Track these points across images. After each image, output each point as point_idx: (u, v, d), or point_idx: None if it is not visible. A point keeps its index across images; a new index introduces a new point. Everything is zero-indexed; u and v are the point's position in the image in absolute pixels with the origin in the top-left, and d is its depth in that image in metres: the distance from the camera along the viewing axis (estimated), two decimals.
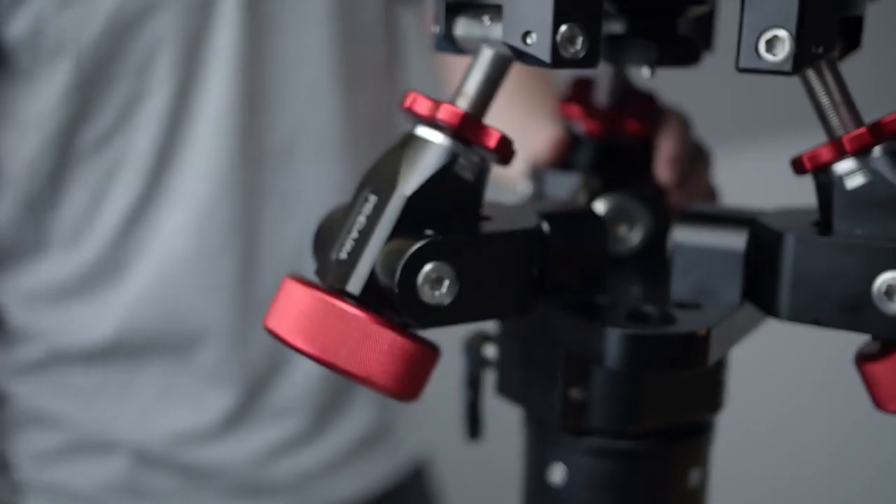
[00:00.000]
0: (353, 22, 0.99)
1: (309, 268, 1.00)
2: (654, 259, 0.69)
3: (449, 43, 0.59)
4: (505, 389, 0.66)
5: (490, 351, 0.68)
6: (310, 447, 1.07)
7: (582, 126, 0.73)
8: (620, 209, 0.68)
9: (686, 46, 0.61)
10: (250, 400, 1.03)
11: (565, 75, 0.71)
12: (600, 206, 0.68)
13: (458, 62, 1.04)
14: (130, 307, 0.99)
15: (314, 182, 0.99)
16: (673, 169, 0.72)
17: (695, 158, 0.74)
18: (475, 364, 0.69)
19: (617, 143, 0.73)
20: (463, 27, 0.58)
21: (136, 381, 1.02)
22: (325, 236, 0.59)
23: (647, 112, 0.73)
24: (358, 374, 0.53)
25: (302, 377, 1.05)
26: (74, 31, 0.88)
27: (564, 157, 0.74)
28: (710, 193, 0.76)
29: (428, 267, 0.53)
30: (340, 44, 0.97)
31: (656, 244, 0.69)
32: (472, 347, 0.69)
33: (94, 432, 1.01)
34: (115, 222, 0.95)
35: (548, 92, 0.91)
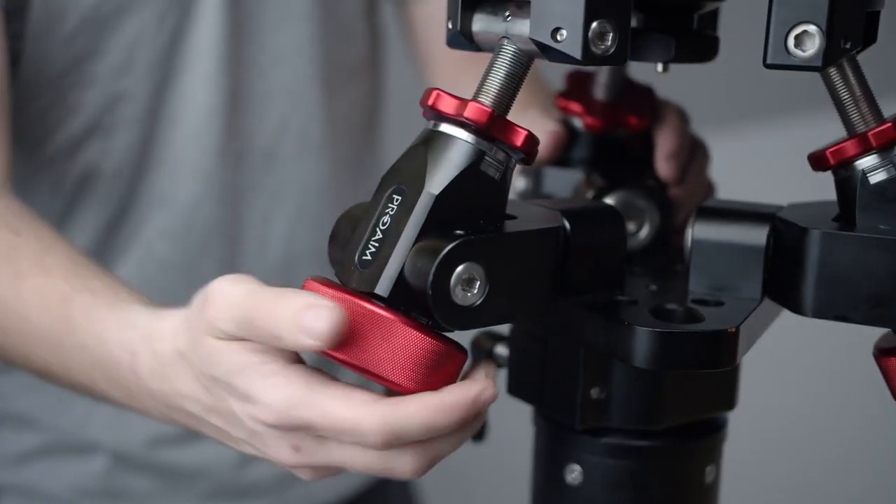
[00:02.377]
0: (335, 17, 0.97)
1: (295, 269, 1.00)
2: (659, 255, 0.68)
3: (464, 39, 0.58)
4: (518, 389, 0.65)
5: (500, 351, 0.67)
6: None
7: (580, 121, 0.72)
8: (629, 205, 0.68)
9: (703, 42, 0.61)
10: None
11: (553, 69, 0.70)
12: (609, 203, 0.68)
13: (442, 59, 1.03)
14: None
15: (298, 180, 0.97)
16: (673, 164, 0.71)
17: (693, 153, 0.74)
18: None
19: (616, 139, 0.73)
20: (481, 23, 0.57)
21: None
22: (344, 236, 0.57)
23: (645, 106, 0.73)
24: (386, 377, 0.52)
25: None
26: (49, 26, 0.84)
27: (563, 152, 0.73)
28: (709, 188, 0.76)
29: (461, 268, 0.51)
30: (322, 39, 0.96)
31: (661, 240, 0.69)
32: (480, 348, 0.68)
33: (71, 433, 0.98)
34: (92, 228, 0.92)
35: (538, 85, 0.90)
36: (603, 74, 0.72)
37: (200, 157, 0.92)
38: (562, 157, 0.73)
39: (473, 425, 0.55)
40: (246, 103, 0.93)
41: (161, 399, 0.61)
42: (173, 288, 0.95)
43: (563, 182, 0.72)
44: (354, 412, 0.51)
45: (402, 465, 0.54)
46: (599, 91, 0.72)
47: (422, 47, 1.06)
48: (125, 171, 0.91)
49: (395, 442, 0.52)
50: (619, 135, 0.73)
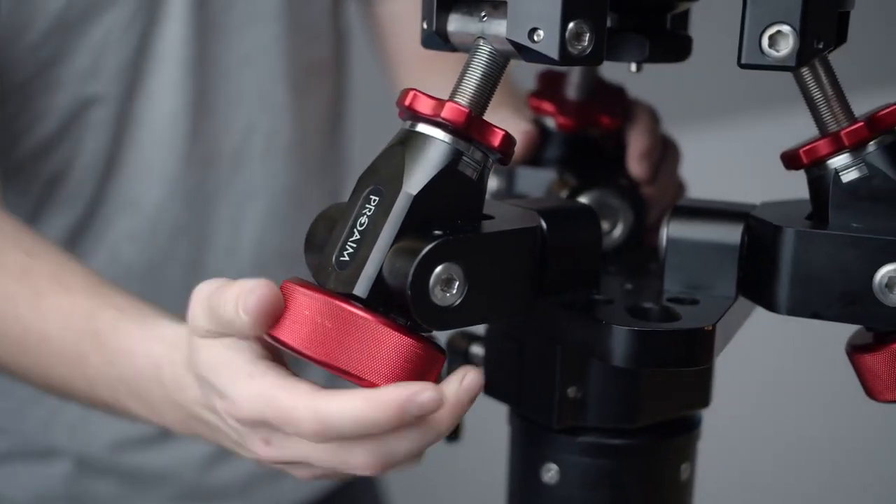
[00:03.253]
0: (301, 17, 0.96)
1: (265, 271, 0.99)
2: (632, 253, 0.69)
3: (439, 39, 0.58)
4: (494, 390, 0.65)
5: (476, 351, 0.67)
6: None
7: (552, 121, 0.73)
8: (602, 205, 0.68)
9: (677, 41, 0.61)
10: None
11: (522, 68, 0.70)
12: (584, 203, 0.68)
13: (409, 59, 1.03)
14: None
15: (265, 183, 0.97)
16: (646, 163, 0.72)
17: (665, 152, 0.75)
18: (458, 365, 0.68)
19: (588, 138, 0.73)
20: (456, 23, 0.57)
21: None
22: (320, 237, 0.57)
23: (617, 106, 0.73)
24: (365, 379, 0.52)
25: None
26: (17, 32, 0.83)
27: (535, 152, 0.73)
28: (680, 187, 0.77)
29: (439, 268, 0.51)
30: (289, 40, 0.95)
31: (633, 239, 0.69)
32: (455, 348, 0.67)
33: (32, 439, 0.97)
34: (58, 231, 0.91)
35: (509, 85, 0.90)
36: (575, 74, 0.72)
37: (167, 160, 0.91)
38: (534, 157, 0.73)
39: (429, 430, 0.54)
40: (213, 106, 0.93)
41: (182, 409, 0.61)
42: (140, 291, 0.94)
43: (536, 181, 0.72)
44: (292, 402, 0.53)
45: (353, 459, 0.54)
46: (571, 91, 0.73)
47: (388, 47, 1.06)
48: (93, 175, 0.90)
49: (328, 433, 0.52)
50: (592, 134, 0.73)
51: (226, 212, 0.96)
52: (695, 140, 0.98)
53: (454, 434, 0.72)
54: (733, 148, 2.08)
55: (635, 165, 0.72)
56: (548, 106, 0.72)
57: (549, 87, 0.73)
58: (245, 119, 0.94)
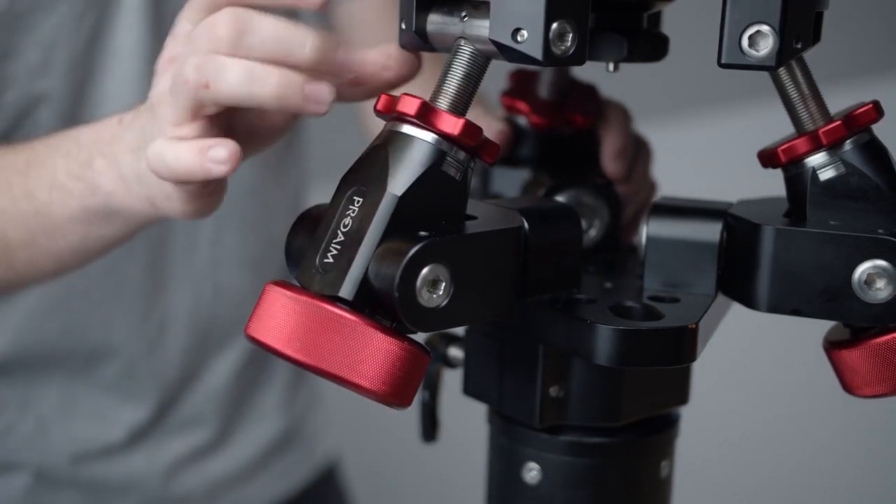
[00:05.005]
0: None
1: (222, 271, 0.98)
2: (609, 252, 0.69)
3: (419, 39, 0.58)
4: (474, 390, 0.65)
5: (454, 353, 0.67)
6: (218, 456, 1.04)
7: (525, 119, 0.73)
8: (579, 203, 0.68)
9: (654, 41, 0.62)
10: (158, 413, 0.99)
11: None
12: (563, 202, 0.68)
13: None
14: (28, 318, 0.93)
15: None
16: (620, 161, 0.72)
17: (637, 151, 0.75)
18: (434, 365, 0.68)
19: (561, 137, 0.73)
20: (436, 23, 0.57)
21: (35, 397, 0.96)
22: (301, 239, 0.57)
23: (590, 104, 0.73)
24: (353, 381, 0.52)
25: (210, 386, 1.01)
26: None
27: (509, 151, 0.73)
28: (652, 186, 0.77)
29: (426, 269, 0.51)
30: None
31: (610, 237, 0.70)
32: (433, 349, 0.67)
33: None
34: None
35: None
36: (547, 73, 0.72)
37: None
38: (508, 156, 0.73)
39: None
40: None
41: (136, 119, 0.62)
42: (97, 292, 0.93)
43: (511, 181, 0.72)
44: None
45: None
46: (544, 90, 0.73)
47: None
48: None
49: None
50: (564, 133, 0.73)
51: None
52: (663, 136, 0.99)
53: (431, 433, 0.72)
54: (699, 144, 2.11)
55: (610, 164, 0.72)
56: (521, 105, 0.72)
57: (522, 86, 0.73)
58: None
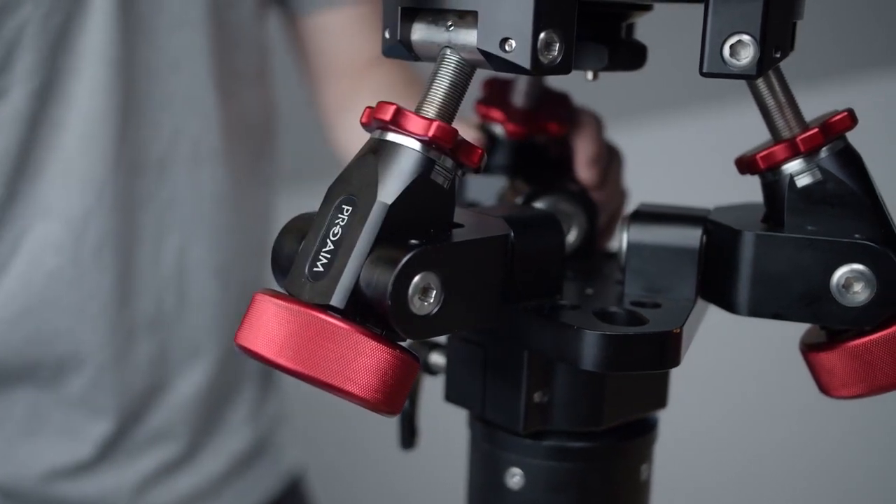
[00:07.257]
0: (228, 23, 0.95)
1: (189, 281, 0.97)
2: (587, 258, 0.70)
3: (403, 48, 0.58)
4: (456, 396, 0.65)
5: (436, 359, 0.67)
6: (188, 471, 1.03)
7: (500, 128, 0.73)
8: (556, 210, 0.69)
9: (633, 50, 0.62)
10: (126, 427, 0.98)
11: None
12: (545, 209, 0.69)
13: (339, 72, 1.03)
14: None
15: (193, 190, 0.95)
16: (594, 169, 0.73)
17: (610, 158, 0.76)
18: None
19: (535, 145, 0.74)
20: (421, 32, 0.57)
21: (0, 415, 0.95)
22: (289, 248, 0.57)
23: (563, 112, 0.74)
24: (346, 389, 0.52)
25: (179, 398, 1.00)
26: None
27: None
28: (623, 193, 0.78)
29: (418, 277, 0.52)
30: (216, 45, 0.94)
31: (587, 243, 0.70)
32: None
33: None
34: None
35: None
36: (521, 81, 0.73)
37: (91, 165, 0.89)
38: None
39: None
40: (139, 109, 0.91)
41: None
42: (63, 302, 0.92)
43: (487, 189, 0.73)
44: None
45: None
46: (518, 98, 0.73)
47: (314, 60, 1.05)
48: (1, 178, 0.87)
49: None
50: (539, 141, 0.74)
51: (151, 219, 0.94)
52: (634, 140, 1.00)
53: (410, 441, 0.72)
54: (670, 148, 2.13)
55: (584, 171, 0.73)
56: (496, 113, 0.73)
57: (496, 94, 0.74)
58: (171, 124, 0.92)
